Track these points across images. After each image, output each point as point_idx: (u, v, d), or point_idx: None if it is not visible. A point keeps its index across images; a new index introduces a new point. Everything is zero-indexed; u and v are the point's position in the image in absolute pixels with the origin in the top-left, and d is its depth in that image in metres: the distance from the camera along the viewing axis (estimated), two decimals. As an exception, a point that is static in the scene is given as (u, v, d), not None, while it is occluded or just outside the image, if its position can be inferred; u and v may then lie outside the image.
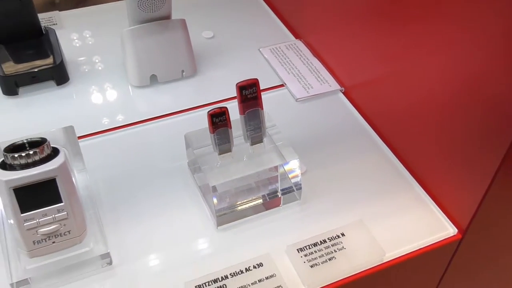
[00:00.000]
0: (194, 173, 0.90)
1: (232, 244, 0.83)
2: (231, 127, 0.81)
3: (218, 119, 0.79)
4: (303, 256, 0.81)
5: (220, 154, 0.83)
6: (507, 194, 0.80)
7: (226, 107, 0.79)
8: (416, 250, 0.83)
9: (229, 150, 0.83)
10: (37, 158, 0.70)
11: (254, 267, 0.80)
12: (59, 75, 1.07)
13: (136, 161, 0.94)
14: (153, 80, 1.08)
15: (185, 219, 0.86)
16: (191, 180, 0.90)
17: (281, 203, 0.88)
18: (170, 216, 0.86)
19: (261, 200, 0.86)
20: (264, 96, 0.92)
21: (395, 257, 0.82)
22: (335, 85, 1.10)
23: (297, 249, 0.82)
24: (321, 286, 0.79)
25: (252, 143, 0.85)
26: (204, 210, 0.86)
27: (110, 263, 0.78)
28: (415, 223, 0.86)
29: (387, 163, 0.95)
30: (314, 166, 0.93)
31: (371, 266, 0.81)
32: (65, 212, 0.71)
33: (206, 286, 0.77)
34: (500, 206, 0.82)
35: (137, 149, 0.96)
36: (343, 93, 1.09)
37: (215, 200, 0.82)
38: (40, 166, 0.70)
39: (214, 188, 0.81)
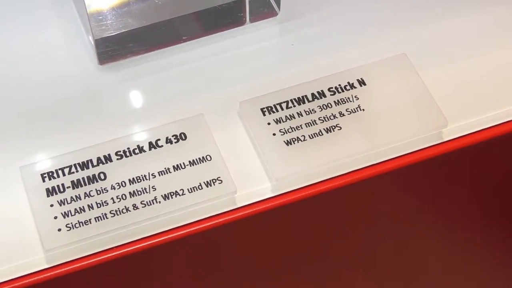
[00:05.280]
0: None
1: (128, 98, 0.41)
2: None
3: None
4: (273, 123, 0.39)
5: None
6: None
7: None
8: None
9: None
10: None
11: (169, 141, 0.39)
12: None
13: None
14: None
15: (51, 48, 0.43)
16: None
17: (237, 20, 0.44)
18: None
19: (191, 18, 0.43)
20: None
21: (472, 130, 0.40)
22: None
23: (262, 109, 0.40)
24: (306, 184, 0.38)
25: None
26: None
27: None
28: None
29: None
30: None
31: (416, 148, 0.39)
32: None
33: (64, 174, 0.37)
34: None
35: None
36: None
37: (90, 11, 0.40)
38: None
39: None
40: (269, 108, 0.40)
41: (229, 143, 0.39)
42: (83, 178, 0.38)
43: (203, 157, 0.38)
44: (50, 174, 0.38)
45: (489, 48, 0.43)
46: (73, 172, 0.38)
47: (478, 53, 0.43)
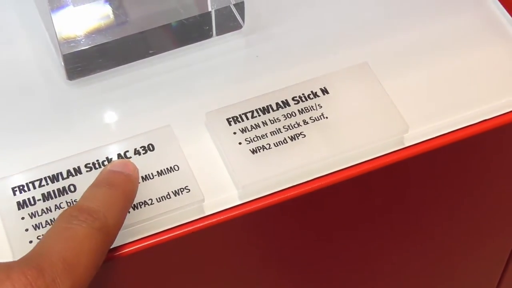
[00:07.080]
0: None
1: (97, 111, 0.42)
2: None
3: None
4: (239, 132, 0.40)
5: None
6: None
7: None
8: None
9: None
10: None
11: (137, 152, 0.39)
12: None
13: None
14: None
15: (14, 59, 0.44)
16: None
17: (203, 33, 0.45)
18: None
19: (158, 32, 0.44)
20: None
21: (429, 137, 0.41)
22: None
23: (228, 119, 0.41)
24: (273, 192, 0.39)
25: None
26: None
27: None
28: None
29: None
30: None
31: (378, 154, 0.40)
32: None
33: (34, 187, 0.37)
34: None
35: None
36: None
37: (57, 27, 0.41)
38: None
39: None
40: (235, 118, 0.41)
41: (196, 153, 0.40)
42: (53, 191, 0.38)
43: (170, 167, 0.39)
44: (21, 187, 0.38)
45: (447, 56, 0.44)
46: (44, 185, 0.38)
47: (437, 61, 0.44)
